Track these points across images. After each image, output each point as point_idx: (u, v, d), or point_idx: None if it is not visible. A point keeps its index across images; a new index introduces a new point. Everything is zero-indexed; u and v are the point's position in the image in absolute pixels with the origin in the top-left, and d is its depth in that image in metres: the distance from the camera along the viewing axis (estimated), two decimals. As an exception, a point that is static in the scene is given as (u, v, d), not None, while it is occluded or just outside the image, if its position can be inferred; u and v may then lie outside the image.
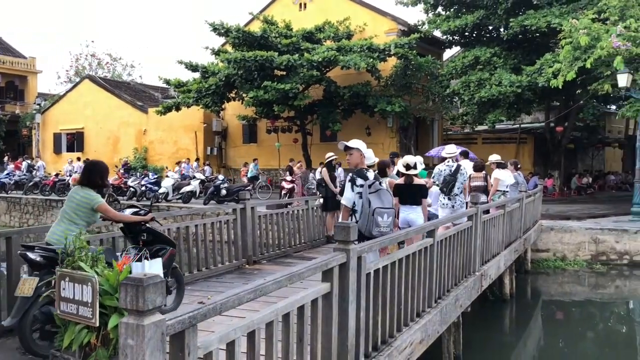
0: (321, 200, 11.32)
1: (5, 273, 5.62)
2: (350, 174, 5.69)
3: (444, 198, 9.44)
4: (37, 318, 4.48)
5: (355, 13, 24.44)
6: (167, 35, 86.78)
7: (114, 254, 5.26)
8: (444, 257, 6.17)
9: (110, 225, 9.97)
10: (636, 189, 15.52)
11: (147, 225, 5.66)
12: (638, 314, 11.85)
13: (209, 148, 28.58)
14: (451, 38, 24.71)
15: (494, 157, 11.50)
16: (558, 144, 24.48)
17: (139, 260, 5.17)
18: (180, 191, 19.31)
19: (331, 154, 11.71)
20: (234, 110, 26.56)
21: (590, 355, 8.99)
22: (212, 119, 28.20)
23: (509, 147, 26.69)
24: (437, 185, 9.63)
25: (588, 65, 15.55)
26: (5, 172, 26.50)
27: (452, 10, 23.56)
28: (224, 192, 18.11)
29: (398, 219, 7.30)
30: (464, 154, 11.16)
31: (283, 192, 18.66)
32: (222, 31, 22.25)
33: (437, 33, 24.32)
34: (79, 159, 27.14)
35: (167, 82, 24.74)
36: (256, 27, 22.74)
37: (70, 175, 23.81)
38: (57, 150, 33.27)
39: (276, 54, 20.75)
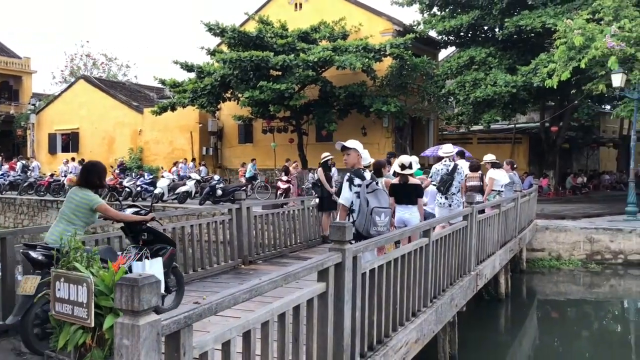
0: (317, 200, 11.32)
1: (0, 274, 5.61)
2: (348, 174, 5.71)
3: (441, 197, 9.46)
4: (39, 316, 4.49)
5: (350, 13, 24.45)
6: (167, 35, 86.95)
7: (115, 253, 5.27)
8: (439, 256, 6.18)
9: (105, 225, 9.96)
10: (630, 188, 15.59)
11: (148, 224, 5.68)
12: (633, 312, 11.90)
13: (204, 148, 28.54)
14: (446, 38, 24.77)
15: (489, 157, 11.54)
16: (553, 143, 24.56)
17: (140, 259, 5.21)
18: (176, 191, 19.28)
19: (327, 154, 11.70)
20: (230, 111, 26.53)
21: (585, 354, 9.03)
22: (207, 119, 28.16)
23: (504, 147, 26.76)
24: (434, 184, 9.65)
25: (582, 66, 15.62)
26: (0, 172, 26.39)
27: (447, 10, 23.61)
28: (219, 192, 18.09)
29: (394, 218, 7.33)
30: (461, 154, 11.19)
31: (279, 192, 18.66)
32: (218, 31, 22.22)
33: (433, 33, 24.37)
34: (73, 159, 27.07)
35: (163, 82, 24.69)
36: (252, 27, 22.72)
37: (65, 176, 23.75)
38: (52, 150, 33.18)
39: (272, 54, 20.74)
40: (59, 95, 34.15)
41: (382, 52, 21.33)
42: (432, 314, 5.83)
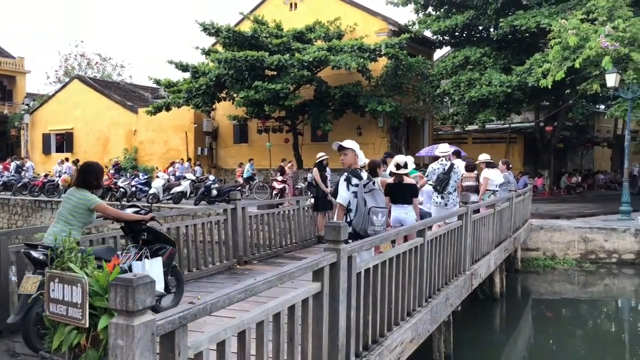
0: (312, 200, 11.32)
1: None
2: (346, 174, 5.73)
3: (437, 197, 9.49)
4: (40, 316, 4.51)
5: (345, 13, 24.47)
6: (167, 35, 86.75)
7: (115, 253, 5.30)
8: (434, 256, 6.20)
9: (100, 226, 9.93)
10: (625, 188, 15.65)
11: (147, 224, 5.69)
12: (626, 311, 11.95)
13: (199, 148, 28.50)
14: (441, 38, 24.79)
15: (484, 157, 11.57)
16: (548, 143, 24.64)
17: (140, 259, 5.23)
18: (171, 192, 19.24)
19: (322, 154, 11.70)
20: (225, 111, 26.50)
21: (580, 353, 9.06)
22: (202, 119, 28.12)
23: (499, 146, 26.81)
24: (431, 184, 9.67)
25: (577, 65, 15.68)
26: (-6, 173, 26.30)
27: (442, 10, 23.63)
28: (214, 192, 18.06)
29: (390, 218, 7.35)
30: (456, 154, 11.21)
31: (274, 192, 18.66)
32: (213, 31, 22.19)
33: (428, 33, 24.39)
34: (67, 159, 26.98)
35: (157, 82, 24.64)
36: (246, 27, 22.70)
37: (59, 176, 23.67)
38: (46, 150, 33.06)
39: (267, 54, 20.72)
40: (53, 95, 34.04)
41: (377, 52, 21.35)
42: (427, 313, 5.84)
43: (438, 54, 29.08)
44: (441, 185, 9.42)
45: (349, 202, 5.65)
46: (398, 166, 7.45)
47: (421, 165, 19.75)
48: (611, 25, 15.44)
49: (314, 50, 20.78)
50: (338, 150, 5.87)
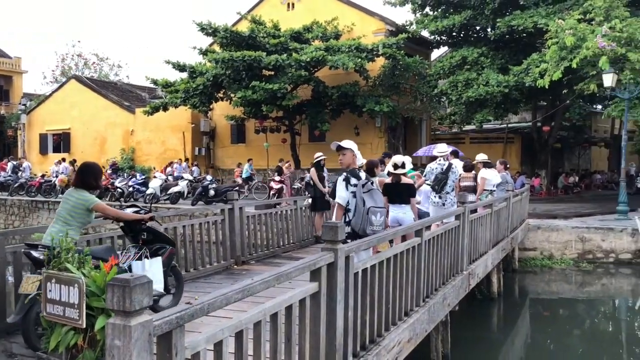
0: (310, 200, 11.31)
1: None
2: (345, 174, 5.74)
3: (435, 196, 9.49)
4: (40, 315, 4.51)
5: (343, 13, 24.46)
6: (168, 35, 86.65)
7: (115, 253, 5.31)
8: (431, 256, 6.20)
9: (97, 226, 9.93)
10: (622, 187, 15.69)
11: (147, 224, 5.70)
12: (624, 311, 11.97)
13: (197, 148, 28.47)
14: (439, 38, 24.83)
15: (481, 157, 11.59)
16: (545, 143, 24.68)
17: (139, 259, 5.24)
18: (168, 192, 19.22)
19: (320, 154, 11.69)
20: (222, 111, 26.48)
21: (577, 352, 9.08)
22: (200, 119, 28.09)
23: (496, 146, 26.85)
24: (429, 183, 9.68)
25: (574, 65, 15.72)
26: (-9, 173, 26.24)
27: (439, 10, 23.67)
28: (212, 192, 18.05)
29: (388, 218, 7.35)
30: (454, 154, 11.22)
31: (271, 192, 18.64)
32: (210, 31, 22.17)
33: (425, 33, 24.41)
34: (64, 159, 26.93)
35: (155, 82, 24.62)
36: (244, 27, 22.69)
37: (56, 176, 23.62)
38: (43, 151, 32.99)
39: (264, 54, 20.72)
40: (50, 95, 33.95)
41: (374, 52, 21.36)
42: (425, 313, 5.84)
43: (435, 54, 29.15)
44: (439, 185, 9.43)
45: (348, 202, 5.65)
46: (395, 166, 7.48)
47: (418, 166, 19.78)
48: (608, 25, 15.48)
49: (311, 50, 20.78)
50: (336, 150, 5.87)
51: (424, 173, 9.95)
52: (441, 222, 7.61)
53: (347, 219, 5.60)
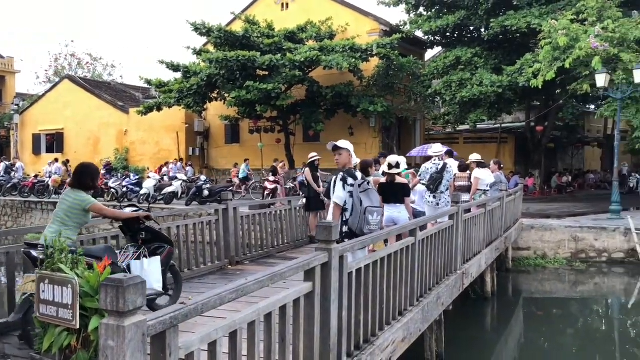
0: (304, 200, 11.31)
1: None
2: (341, 174, 5.76)
3: (429, 196, 9.52)
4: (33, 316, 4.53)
5: (337, 13, 24.48)
6: (168, 35, 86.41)
7: (114, 252, 5.33)
8: (425, 255, 6.21)
9: (91, 227, 9.88)
10: (615, 187, 15.75)
11: (146, 224, 5.71)
12: (616, 310, 12.03)
13: (191, 149, 28.42)
14: (433, 38, 24.87)
15: (474, 157, 11.63)
16: (538, 143, 24.77)
17: (138, 258, 5.27)
18: (162, 192, 19.17)
19: (314, 154, 11.70)
20: (216, 111, 26.43)
21: (571, 351, 9.11)
22: (194, 119, 28.04)
23: (490, 146, 26.92)
24: (424, 183, 9.71)
25: (567, 66, 15.79)
26: (-17, 173, 26.07)
27: (433, 10, 23.71)
28: (206, 192, 18.02)
29: (383, 217, 7.38)
30: (449, 154, 11.27)
31: (266, 192, 18.62)
32: (204, 31, 22.14)
33: (419, 33, 24.46)
34: (56, 160, 26.82)
35: (149, 82, 24.55)
36: (238, 27, 22.67)
37: (49, 177, 23.52)
38: (37, 151, 32.83)
39: (258, 54, 20.70)
40: (43, 95, 33.81)
41: (368, 52, 21.38)
42: (419, 312, 5.85)
43: (429, 54, 29.22)
44: (434, 184, 9.47)
45: (345, 201, 5.67)
46: (390, 166, 7.53)
47: (412, 165, 19.80)
48: (601, 25, 15.56)
49: (305, 51, 20.78)
50: (333, 150, 5.89)
51: (419, 173, 9.99)
52: (435, 222, 7.64)
53: (345, 219, 5.62)
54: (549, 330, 10.02)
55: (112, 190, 20.01)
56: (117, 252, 5.47)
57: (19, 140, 33.42)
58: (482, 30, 22.91)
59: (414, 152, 21.86)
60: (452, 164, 10.57)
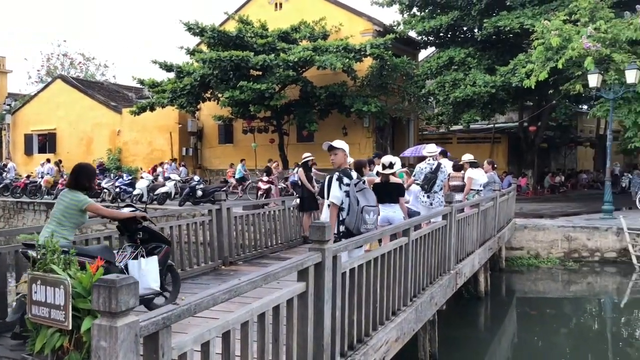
0: (298, 200, 11.30)
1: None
2: (337, 173, 5.76)
3: (423, 196, 9.55)
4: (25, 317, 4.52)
5: (330, 13, 24.48)
6: (168, 35, 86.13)
7: (112, 252, 5.36)
8: (419, 255, 6.22)
9: (85, 227, 9.83)
10: (607, 187, 15.83)
11: (143, 223, 5.72)
12: (609, 309, 12.09)
13: (184, 149, 28.34)
14: (426, 38, 24.95)
15: (467, 157, 11.66)
16: (531, 143, 24.87)
17: (136, 258, 5.32)
18: (155, 192, 19.11)
19: (308, 154, 11.70)
20: (210, 111, 26.38)
21: (564, 350, 9.15)
22: (187, 120, 27.96)
23: (483, 146, 27.01)
24: (418, 183, 9.73)
25: (560, 66, 15.86)
26: (-25, 174, 25.92)
27: (426, 11, 23.77)
28: (199, 193, 17.96)
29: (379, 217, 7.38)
30: (443, 154, 11.31)
31: (259, 192, 18.59)
32: (197, 31, 22.09)
33: (413, 34, 24.52)
34: (48, 160, 26.67)
35: (141, 82, 24.46)
36: (231, 27, 22.64)
37: (42, 177, 23.40)
38: (29, 151, 32.64)
39: (252, 54, 20.68)
40: (36, 95, 33.61)
41: (362, 52, 21.40)
42: (412, 312, 5.86)
43: (423, 54, 29.27)
44: (429, 184, 9.50)
45: (341, 201, 5.68)
46: (384, 166, 7.55)
47: (406, 165, 19.83)
48: (593, 26, 15.64)
49: (299, 51, 20.77)
50: (328, 150, 5.89)
51: (414, 173, 10.02)
52: (429, 222, 7.65)
53: (341, 218, 5.63)
54: (542, 330, 10.06)
55: (105, 190, 19.92)
56: (115, 251, 5.48)
57: (11, 141, 33.24)
58: (475, 30, 22.99)
59: (408, 152, 21.89)
60: (446, 164, 10.60)
